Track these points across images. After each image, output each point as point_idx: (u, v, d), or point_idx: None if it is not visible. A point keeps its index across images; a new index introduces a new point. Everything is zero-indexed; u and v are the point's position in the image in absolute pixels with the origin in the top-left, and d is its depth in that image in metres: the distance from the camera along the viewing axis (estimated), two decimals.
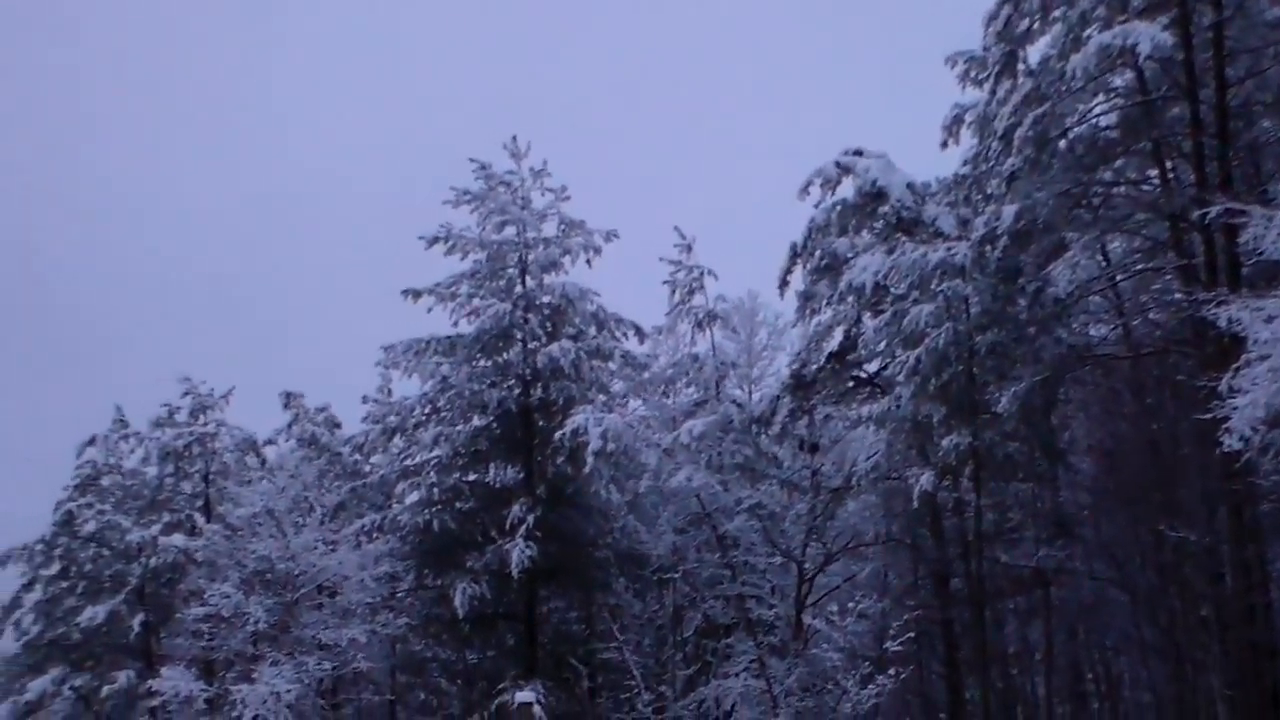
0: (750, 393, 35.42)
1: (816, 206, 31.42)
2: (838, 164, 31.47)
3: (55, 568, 44.54)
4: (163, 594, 43.03)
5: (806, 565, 31.86)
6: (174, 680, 36.60)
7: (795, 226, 31.56)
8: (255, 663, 36.44)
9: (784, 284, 31.80)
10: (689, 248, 34.50)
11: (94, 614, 42.05)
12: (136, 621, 42.14)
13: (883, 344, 31.15)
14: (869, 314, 31.40)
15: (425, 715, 41.01)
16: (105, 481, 45.61)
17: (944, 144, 32.58)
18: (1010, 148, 28.18)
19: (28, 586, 44.65)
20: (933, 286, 29.05)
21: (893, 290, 30.22)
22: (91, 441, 45.67)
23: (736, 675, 31.71)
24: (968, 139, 32.38)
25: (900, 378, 29.40)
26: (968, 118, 32.87)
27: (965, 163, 31.97)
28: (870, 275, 29.92)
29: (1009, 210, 27.64)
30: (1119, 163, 29.57)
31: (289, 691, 34.81)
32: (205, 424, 44.61)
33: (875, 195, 31.16)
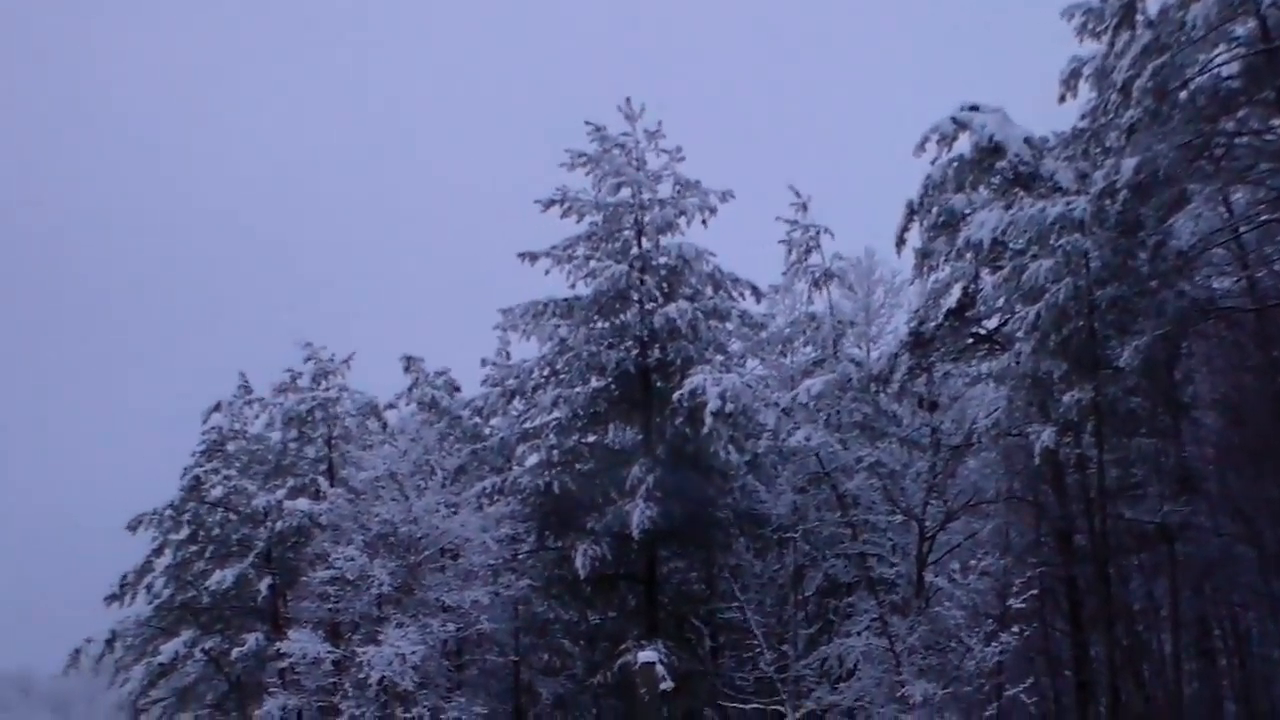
0: (868, 351, 36.01)
1: (933, 163, 31.78)
2: (954, 120, 31.81)
3: (184, 532, 45.71)
4: (289, 558, 44.13)
5: (927, 523, 32.38)
6: (301, 642, 37.94)
7: (912, 184, 32.02)
8: (380, 625, 37.68)
9: (901, 241, 32.24)
10: (805, 206, 35.17)
11: (222, 578, 42.94)
12: (264, 585, 43.25)
13: (1001, 300, 31.50)
14: (987, 270, 31.76)
15: (549, 676, 41.86)
16: (231, 447, 46.78)
17: (1061, 98, 32.75)
18: (1129, 100, 28.32)
19: (158, 551, 45.94)
20: (1052, 241, 29.27)
21: (1011, 246, 30.50)
22: (217, 408, 46.90)
23: (858, 634, 32.39)
24: (1085, 92, 32.53)
25: (1020, 333, 29.71)
26: (1085, 71, 32.95)
27: (1083, 116, 32.17)
28: (988, 231, 30.26)
29: (1129, 163, 27.83)
30: (1241, 113, 29.47)
31: (414, 653, 36.00)
32: (327, 389, 45.60)
33: (992, 150, 31.48)
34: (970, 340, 32.78)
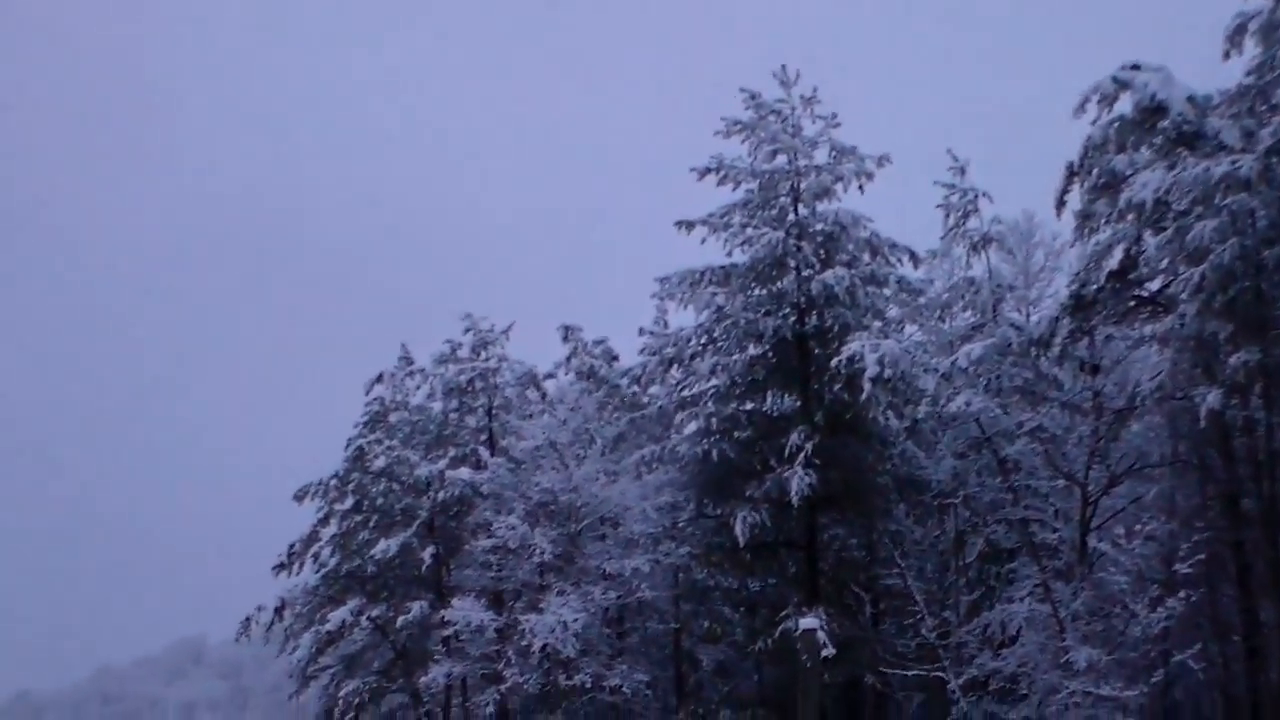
0: (1028, 315, 36.10)
1: (1093, 124, 31.76)
2: (1115, 79, 31.74)
3: (349, 502, 47.26)
4: (451, 527, 45.37)
5: (1090, 488, 32.42)
6: (465, 610, 39.24)
7: (1071, 146, 32.12)
8: (542, 593, 38.84)
9: (1061, 204, 32.20)
10: (963, 170, 35.53)
11: (387, 547, 44.17)
12: (427, 554, 44.50)
13: (1165, 261, 31.37)
14: (1150, 231, 31.62)
15: (709, 643, 42.63)
16: (393, 418, 48.20)
17: (1226, 54, 32.47)
18: None
19: (324, 521, 47.55)
20: (1217, 201, 29.06)
21: (1174, 206, 30.31)
22: (379, 379, 48.45)
23: (1021, 600, 32.54)
24: (1251, 48, 32.17)
25: (1184, 295, 29.62)
26: (1251, 26, 32.61)
27: (1249, 73, 31.89)
28: (1150, 192, 30.19)
29: None
30: None
31: (576, 620, 37.07)
32: (487, 359, 46.81)
33: (1154, 110, 31.35)
34: (1133, 303, 32.64)
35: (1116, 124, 31.48)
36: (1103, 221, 31.85)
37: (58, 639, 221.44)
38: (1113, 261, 32.02)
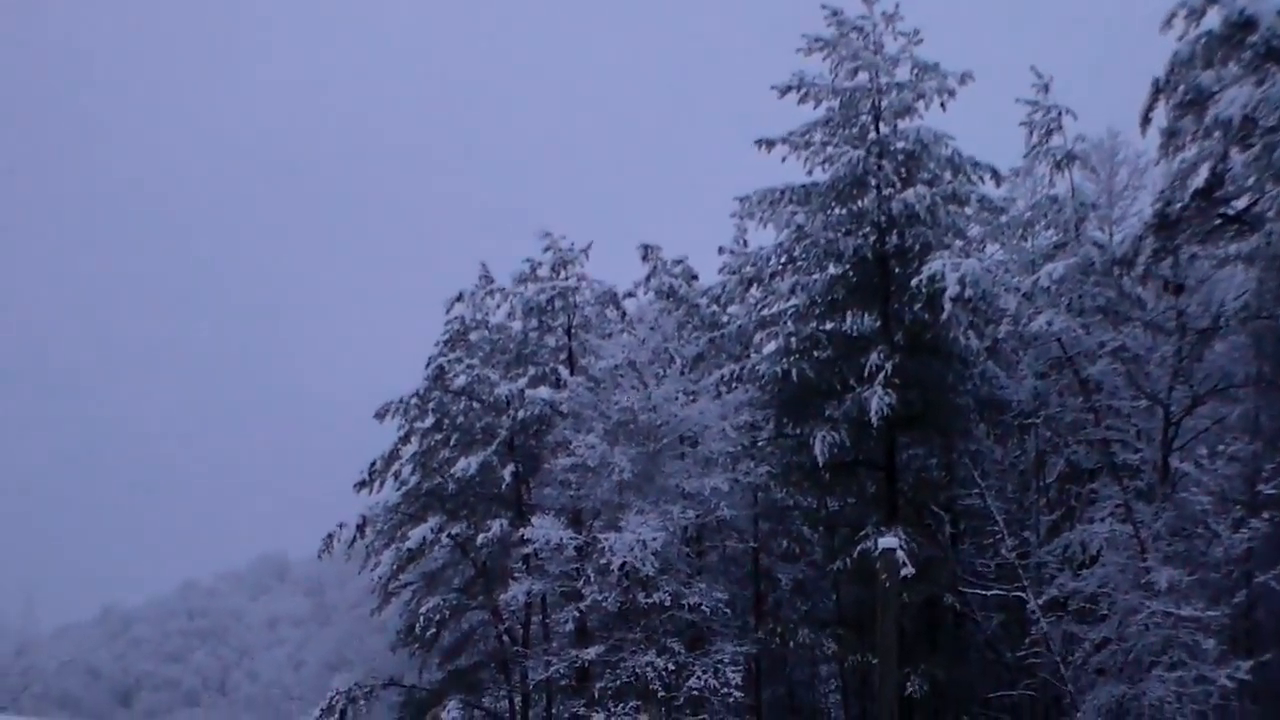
0: (1111, 234, 35.79)
1: (1180, 39, 31.47)
2: None
3: (429, 421, 47.54)
4: (531, 445, 45.67)
5: (1173, 408, 32.42)
6: (545, 528, 39.67)
7: (1157, 61, 31.80)
8: (621, 511, 39.19)
9: (1145, 121, 31.91)
10: (1046, 87, 35.27)
11: (467, 465, 44.38)
12: (507, 472, 44.79)
13: (1252, 179, 30.95)
14: (1237, 148, 31.21)
15: (788, 562, 42.98)
16: (473, 337, 48.28)
17: None
18: None
19: (405, 439, 47.86)
20: None
21: (1262, 123, 29.90)
22: (459, 298, 48.50)
23: (1102, 520, 32.55)
24: None
25: (1271, 213, 29.31)
26: None
27: None
28: (1238, 108, 29.84)
29: None
30: None
31: (654, 539, 37.41)
32: (566, 278, 46.90)
33: (1243, 25, 30.87)
34: (1218, 221, 32.29)
35: (1204, 39, 31.07)
36: (1188, 139, 31.52)
37: (144, 554, 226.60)
38: (1198, 180, 31.75)
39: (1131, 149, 35.99)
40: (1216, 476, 31.67)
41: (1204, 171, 31.52)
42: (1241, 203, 31.85)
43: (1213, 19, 30.80)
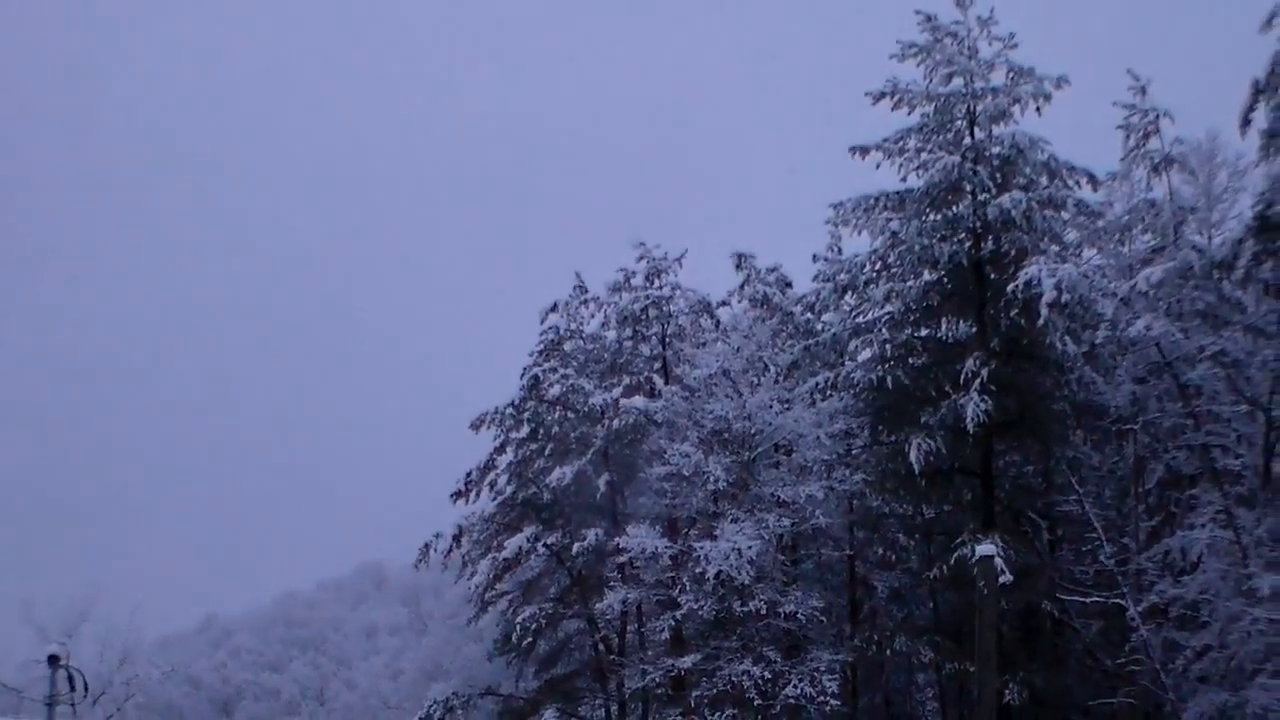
0: (1210, 237, 35.48)
1: None
2: None
3: (525, 430, 47.78)
4: (626, 454, 45.86)
5: (1274, 413, 32.04)
6: (640, 537, 39.79)
7: (1258, 62, 31.48)
8: (716, 520, 39.23)
9: (1246, 122, 31.64)
10: (1143, 90, 35.07)
11: (562, 474, 44.60)
12: (602, 481, 45.03)
13: None
14: None
15: (884, 569, 42.81)
16: (568, 346, 48.53)
17: None
18: None
19: (500, 449, 48.16)
20: None
21: None
22: (554, 308, 48.78)
23: (1202, 526, 32.26)
24: None
25: None
26: None
27: None
28: None
29: None
30: None
31: (750, 547, 37.41)
32: (660, 287, 47.15)
33: None
34: None
35: None
36: None
37: (246, 564, 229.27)
38: None
39: (1231, 151, 35.67)
40: None
41: None
42: None
43: None
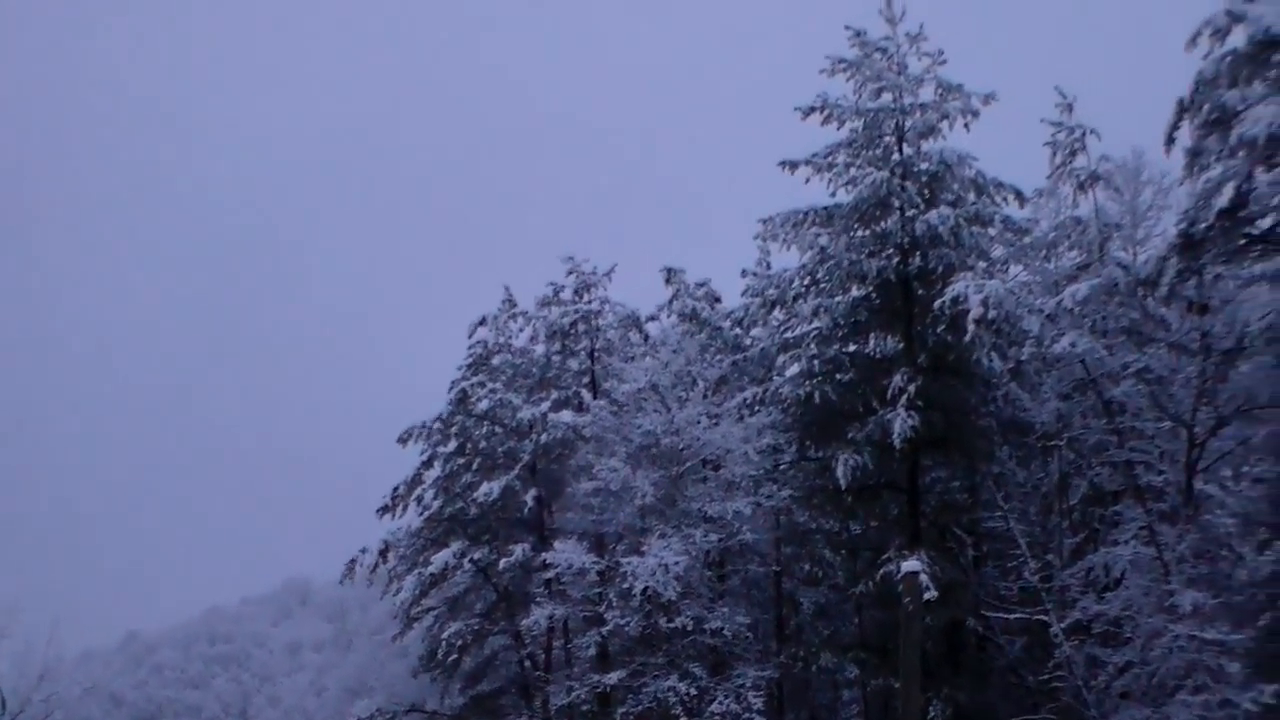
0: (1135, 254, 35.67)
1: (1205, 58, 31.38)
2: (1228, 12, 31.18)
3: (452, 445, 47.88)
4: (553, 469, 45.92)
5: (1197, 429, 32.16)
6: (567, 553, 39.72)
7: (1181, 81, 31.74)
8: (644, 535, 39.20)
9: (1170, 141, 31.77)
10: (1070, 107, 35.22)
11: (489, 489, 44.67)
12: (530, 496, 45.12)
13: (1277, 199, 30.70)
14: (1262, 168, 31.00)
15: (810, 585, 42.75)
16: (496, 361, 48.67)
17: None
18: None
19: (427, 464, 48.20)
20: None
21: None
22: (482, 322, 48.93)
23: (1125, 542, 32.38)
24: None
25: None
26: None
27: None
28: (1264, 127, 29.62)
29: None
30: None
31: (677, 563, 37.40)
32: (589, 302, 47.22)
33: (1269, 43, 30.66)
34: (1243, 241, 32.03)
35: (1229, 58, 30.92)
36: (1213, 158, 31.34)
37: (169, 580, 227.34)
38: (1223, 199, 31.54)
39: (1156, 169, 35.94)
40: (1241, 498, 31.49)
41: (1228, 191, 31.33)
42: (1266, 222, 31.67)
43: (1238, 37, 30.69)
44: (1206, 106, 31.23)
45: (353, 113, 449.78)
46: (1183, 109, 31.60)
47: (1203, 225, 31.38)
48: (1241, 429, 33.76)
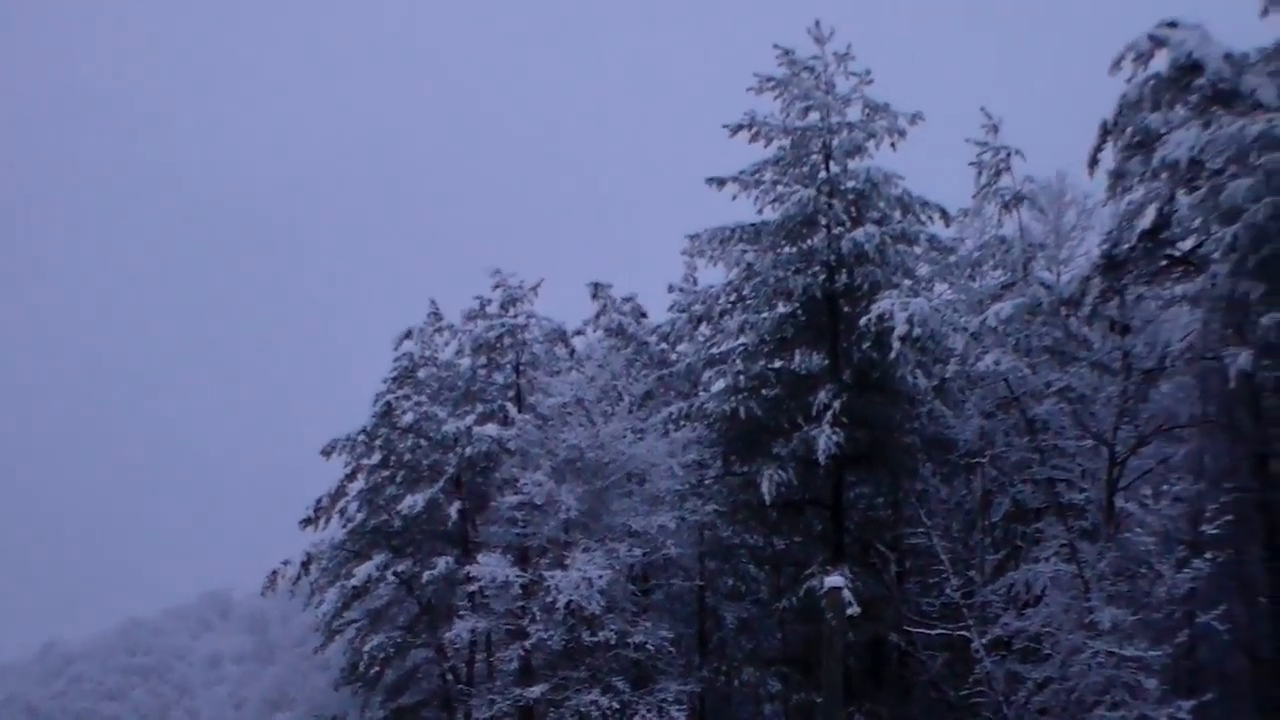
0: (1059, 274, 35.84)
1: (1128, 82, 31.58)
2: (1151, 37, 31.53)
3: (376, 457, 47.44)
4: (478, 483, 45.60)
5: (1118, 448, 32.38)
6: (490, 566, 39.35)
7: (1106, 104, 31.94)
8: (568, 549, 38.92)
9: (1094, 163, 32.00)
10: (995, 128, 35.37)
11: (413, 502, 44.36)
12: (454, 509, 44.73)
13: (1198, 221, 31.07)
14: (1183, 190, 31.33)
15: (733, 600, 42.66)
16: (421, 374, 48.36)
17: (1264, 12, 32.12)
18: None
19: (351, 476, 47.70)
20: (1251, 159, 28.74)
21: (1208, 165, 29.99)
22: (408, 335, 48.61)
23: (1046, 560, 32.40)
24: None
25: (1216, 255, 29.35)
26: None
27: None
28: (1185, 150, 29.95)
29: None
30: None
31: (600, 577, 37.16)
32: (515, 315, 46.93)
33: (1190, 68, 31.09)
34: (1164, 262, 32.38)
35: (1152, 82, 31.28)
36: (1136, 180, 31.66)
37: (88, 590, 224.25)
38: (1145, 221, 31.86)
39: (1079, 190, 36.17)
40: (1160, 516, 31.49)
41: (1150, 213, 31.66)
42: (1187, 244, 31.99)
43: (1160, 62, 31.04)
44: (1130, 129, 31.53)
45: (273, 127, 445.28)
46: (1106, 131, 31.86)
47: (1125, 246, 31.67)
48: (1161, 448, 34.11)
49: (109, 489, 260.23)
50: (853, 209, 37.83)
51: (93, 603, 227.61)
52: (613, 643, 37.88)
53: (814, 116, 38.12)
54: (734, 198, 38.61)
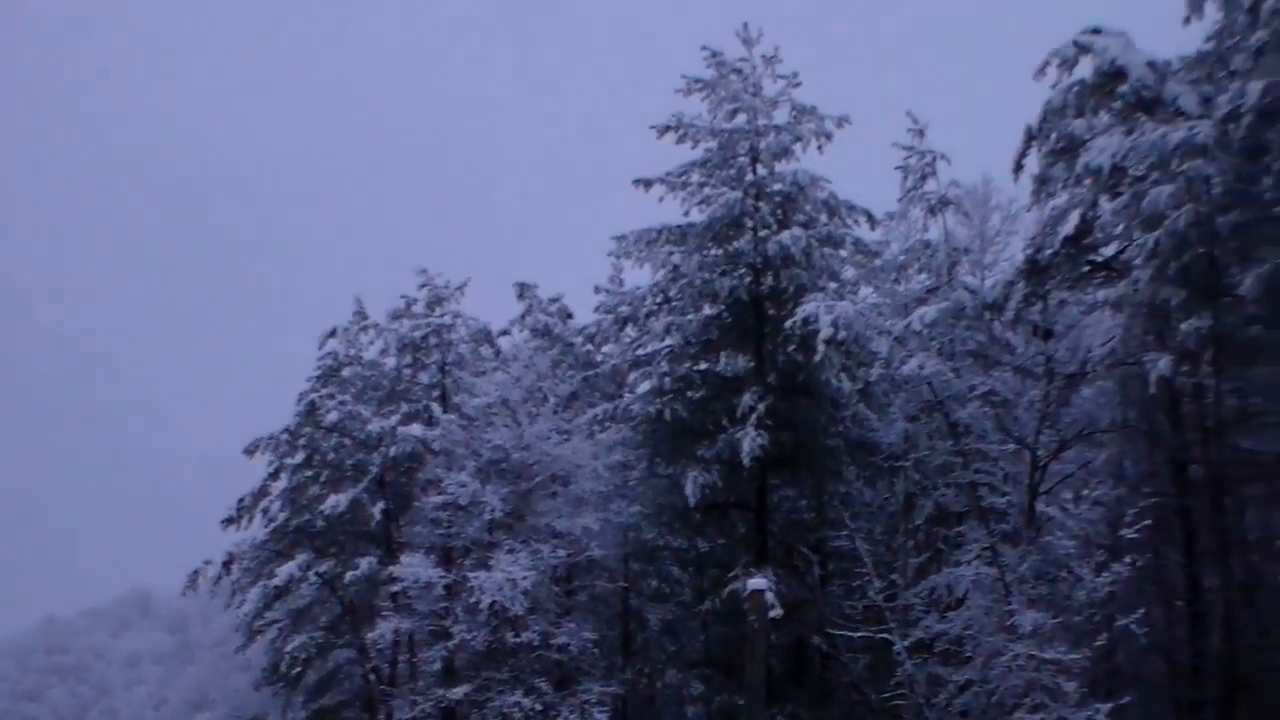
0: (983, 279, 35.91)
1: (1053, 88, 31.66)
2: (1075, 44, 31.62)
3: (300, 457, 47.06)
4: (402, 483, 45.26)
5: (1040, 452, 32.43)
6: (414, 567, 39.02)
7: (1030, 109, 32.03)
8: (492, 550, 38.64)
9: (1018, 168, 32.04)
10: (921, 132, 35.32)
11: (337, 502, 44.03)
12: (377, 510, 44.42)
13: (1120, 227, 31.27)
14: (1106, 196, 31.49)
15: (657, 602, 42.49)
16: (346, 373, 48.06)
17: (1186, 20, 32.24)
18: (1257, 21, 28.21)
19: (274, 475, 47.29)
20: (1173, 167, 28.96)
21: (1131, 171, 30.18)
22: (332, 333, 48.21)
23: (968, 563, 32.36)
24: (1212, 13, 31.87)
25: (1138, 261, 29.59)
26: None
27: (1209, 39, 31.67)
28: (1108, 157, 30.11)
29: (1255, 86, 27.56)
30: None
31: (525, 578, 36.92)
32: (441, 315, 46.59)
33: (1114, 75, 31.21)
34: (1087, 268, 32.50)
35: (1076, 88, 31.39)
36: (1059, 186, 31.79)
37: (4, 589, 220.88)
38: (1068, 226, 32.02)
39: (1004, 195, 36.26)
40: (1080, 521, 31.71)
41: (1074, 218, 31.80)
42: (1110, 250, 32.18)
43: (1084, 68, 31.14)
44: (1054, 135, 31.64)
45: (192, 128, 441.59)
46: (1031, 137, 31.94)
47: (1048, 251, 31.78)
48: (1082, 452, 34.23)
49: (26, 484, 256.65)
50: (779, 211, 37.77)
51: (9, 601, 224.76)
52: (536, 644, 37.66)
53: (741, 119, 38.07)
54: (661, 199, 38.53)
